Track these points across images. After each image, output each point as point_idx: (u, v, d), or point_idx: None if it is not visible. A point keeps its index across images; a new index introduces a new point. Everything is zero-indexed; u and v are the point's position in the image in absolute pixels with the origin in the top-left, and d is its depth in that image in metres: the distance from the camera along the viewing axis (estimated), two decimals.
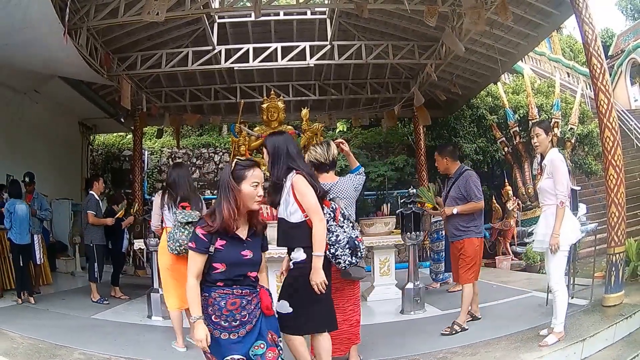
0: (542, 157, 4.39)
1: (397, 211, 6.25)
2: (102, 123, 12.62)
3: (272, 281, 5.31)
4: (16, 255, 6.46)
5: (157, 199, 4.62)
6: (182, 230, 4.11)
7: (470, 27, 6.48)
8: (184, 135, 15.60)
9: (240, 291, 2.37)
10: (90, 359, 4.07)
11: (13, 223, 6.36)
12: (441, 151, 5.12)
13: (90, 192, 7.01)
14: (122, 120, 12.28)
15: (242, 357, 2.30)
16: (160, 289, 5.49)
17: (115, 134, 15.55)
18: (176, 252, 4.13)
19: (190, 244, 2.36)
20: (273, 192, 3.14)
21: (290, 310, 2.90)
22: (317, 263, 2.89)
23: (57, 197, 10.54)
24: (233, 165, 2.49)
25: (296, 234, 2.98)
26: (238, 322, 2.34)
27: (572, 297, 5.34)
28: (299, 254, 2.95)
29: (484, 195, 12.36)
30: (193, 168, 14.96)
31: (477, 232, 4.80)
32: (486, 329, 4.66)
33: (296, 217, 2.96)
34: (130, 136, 15.63)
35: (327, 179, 3.88)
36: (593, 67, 5.38)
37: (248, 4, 8.13)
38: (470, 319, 4.88)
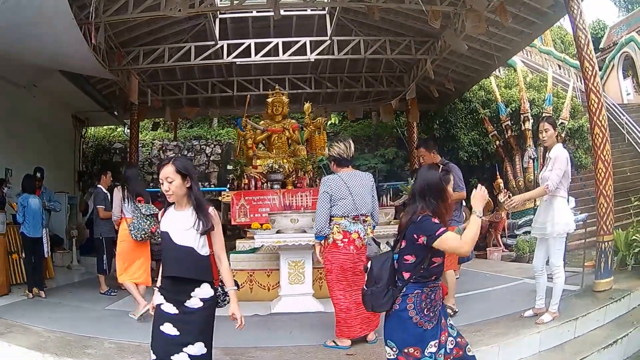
0: (546, 150, 4.76)
1: (400, 201, 6.53)
2: (94, 116, 12.57)
3: (284, 268, 5.58)
4: (29, 249, 6.48)
5: (118, 194, 5.66)
6: (146, 220, 5.17)
7: (472, 31, 6.77)
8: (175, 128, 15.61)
9: (440, 282, 2.66)
10: (122, 348, 4.19)
11: (26, 217, 6.38)
12: (427, 145, 5.28)
13: (98, 185, 7.09)
14: (116, 113, 12.34)
15: (437, 340, 2.56)
16: None
17: (105, 127, 15.49)
18: (141, 238, 5.19)
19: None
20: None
21: (205, 350, 2.78)
22: (235, 297, 2.83)
23: (54, 190, 10.53)
24: (440, 170, 2.76)
25: (205, 268, 2.78)
26: (437, 310, 2.61)
27: (564, 283, 5.74)
28: (207, 290, 2.76)
29: (474, 187, 12.75)
30: None
31: (457, 221, 4.99)
32: (486, 311, 5.02)
33: (205, 250, 2.79)
34: (120, 129, 15.64)
35: (347, 171, 4.28)
36: (585, 70, 5.77)
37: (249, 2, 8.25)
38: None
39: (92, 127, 14.70)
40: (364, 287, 2.71)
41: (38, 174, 7.42)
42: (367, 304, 2.69)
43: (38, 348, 4.09)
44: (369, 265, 2.72)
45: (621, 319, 4.80)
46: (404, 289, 2.56)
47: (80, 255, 10.03)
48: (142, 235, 5.18)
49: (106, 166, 13.95)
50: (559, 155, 4.45)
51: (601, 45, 21.34)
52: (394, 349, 2.54)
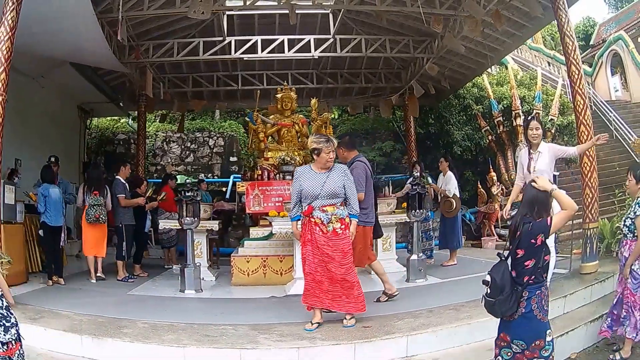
0: (530, 146, 5.19)
1: (404, 191, 6.97)
2: (99, 107, 12.81)
3: (298, 253, 5.95)
4: (49, 238, 6.68)
5: (81, 188, 7.25)
6: (92, 209, 6.82)
7: (469, 34, 7.27)
8: (177, 120, 15.89)
9: None
10: (156, 327, 4.36)
11: (47, 206, 6.58)
12: (339, 143, 5.40)
13: (117, 176, 7.39)
14: (121, 104, 12.62)
15: (550, 329, 3.09)
16: (191, 265, 6.28)
17: (108, 118, 15.71)
18: (91, 222, 6.84)
19: None
20: None
21: None
22: None
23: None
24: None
25: None
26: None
27: (554, 268, 6.26)
28: None
29: (468, 180, 13.16)
30: (187, 152, 15.36)
31: (361, 221, 4.92)
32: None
33: None
34: (124, 120, 15.88)
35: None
36: (572, 73, 6.34)
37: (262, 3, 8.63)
38: (387, 298, 5.23)
39: (95, 118, 14.92)
40: (489, 297, 3.05)
41: (53, 159, 7.73)
42: (495, 311, 3.05)
43: (74, 330, 4.21)
44: (488, 278, 3.04)
45: (606, 298, 5.23)
46: (526, 292, 2.97)
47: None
48: (91, 219, 6.84)
49: (110, 157, 14.35)
50: (552, 147, 5.08)
51: (591, 42, 21.77)
52: (522, 345, 2.99)
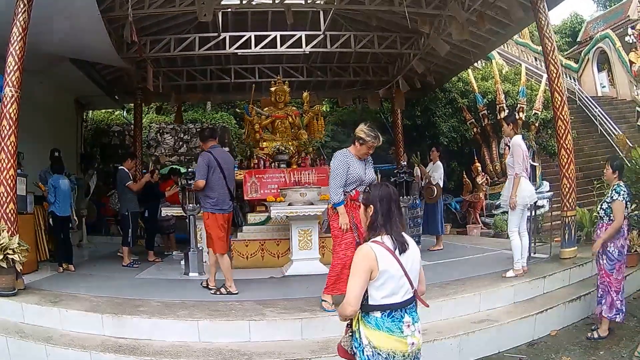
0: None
1: (392, 180, 7.38)
2: (95, 100, 13.03)
3: (295, 236, 6.39)
4: (58, 227, 6.95)
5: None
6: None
7: (457, 37, 7.70)
8: (169, 112, 16.13)
9: None
10: (169, 305, 4.73)
11: (57, 197, 6.85)
12: (198, 135, 5.87)
13: (121, 167, 7.70)
14: (117, 97, 12.84)
15: None
16: (194, 249, 6.66)
17: (103, 110, 15.90)
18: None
19: None
20: None
21: None
22: None
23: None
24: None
25: None
26: None
27: (535, 253, 6.78)
28: None
29: (454, 170, 13.62)
30: (181, 143, 15.64)
31: (209, 207, 5.22)
32: (469, 271, 6.00)
33: None
34: (118, 112, 16.08)
35: None
36: (551, 72, 6.84)
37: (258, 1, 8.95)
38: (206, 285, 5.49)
39: (91, 111, 15.10)
40: None
41: (56, 154, 8.01)
42: None
43: (94, 310, 4.52)
44: None
45: (585, 281, 5.72)
46: None
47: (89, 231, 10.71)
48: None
49: (106, 148, 14.58)
50: (513, 145, 5.58)
51: (578, 39, 22.20)
52: None
